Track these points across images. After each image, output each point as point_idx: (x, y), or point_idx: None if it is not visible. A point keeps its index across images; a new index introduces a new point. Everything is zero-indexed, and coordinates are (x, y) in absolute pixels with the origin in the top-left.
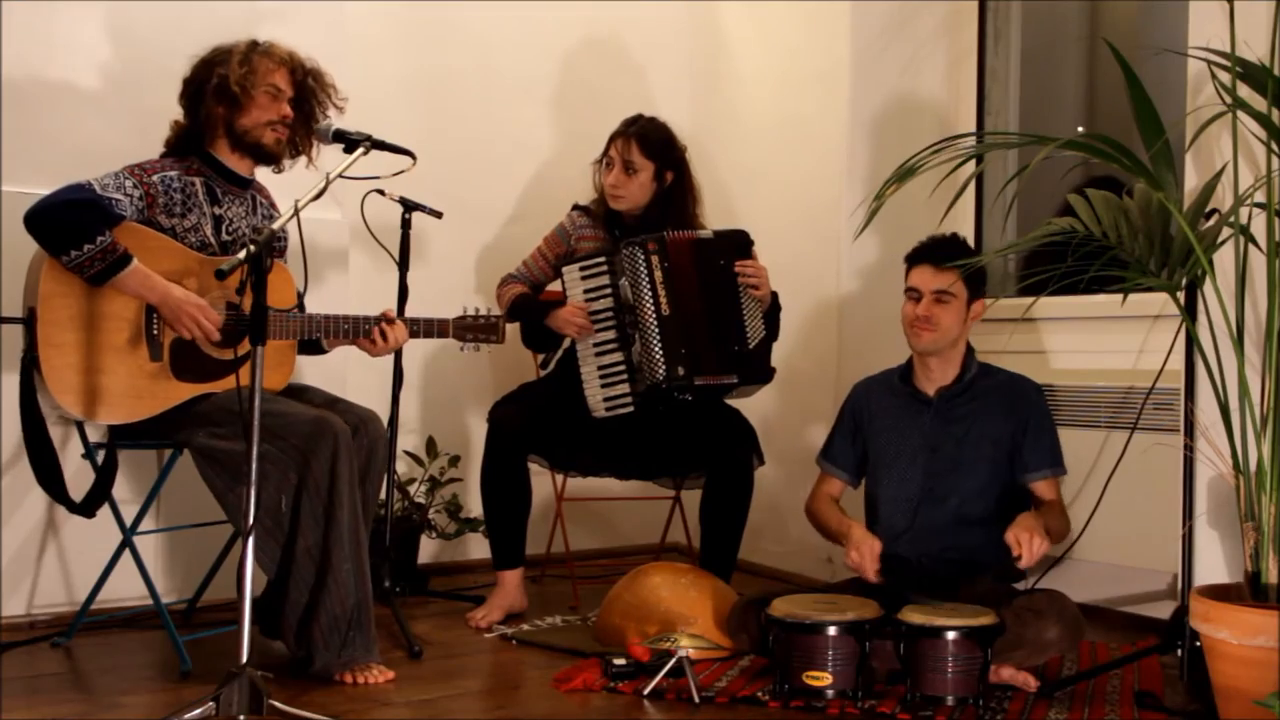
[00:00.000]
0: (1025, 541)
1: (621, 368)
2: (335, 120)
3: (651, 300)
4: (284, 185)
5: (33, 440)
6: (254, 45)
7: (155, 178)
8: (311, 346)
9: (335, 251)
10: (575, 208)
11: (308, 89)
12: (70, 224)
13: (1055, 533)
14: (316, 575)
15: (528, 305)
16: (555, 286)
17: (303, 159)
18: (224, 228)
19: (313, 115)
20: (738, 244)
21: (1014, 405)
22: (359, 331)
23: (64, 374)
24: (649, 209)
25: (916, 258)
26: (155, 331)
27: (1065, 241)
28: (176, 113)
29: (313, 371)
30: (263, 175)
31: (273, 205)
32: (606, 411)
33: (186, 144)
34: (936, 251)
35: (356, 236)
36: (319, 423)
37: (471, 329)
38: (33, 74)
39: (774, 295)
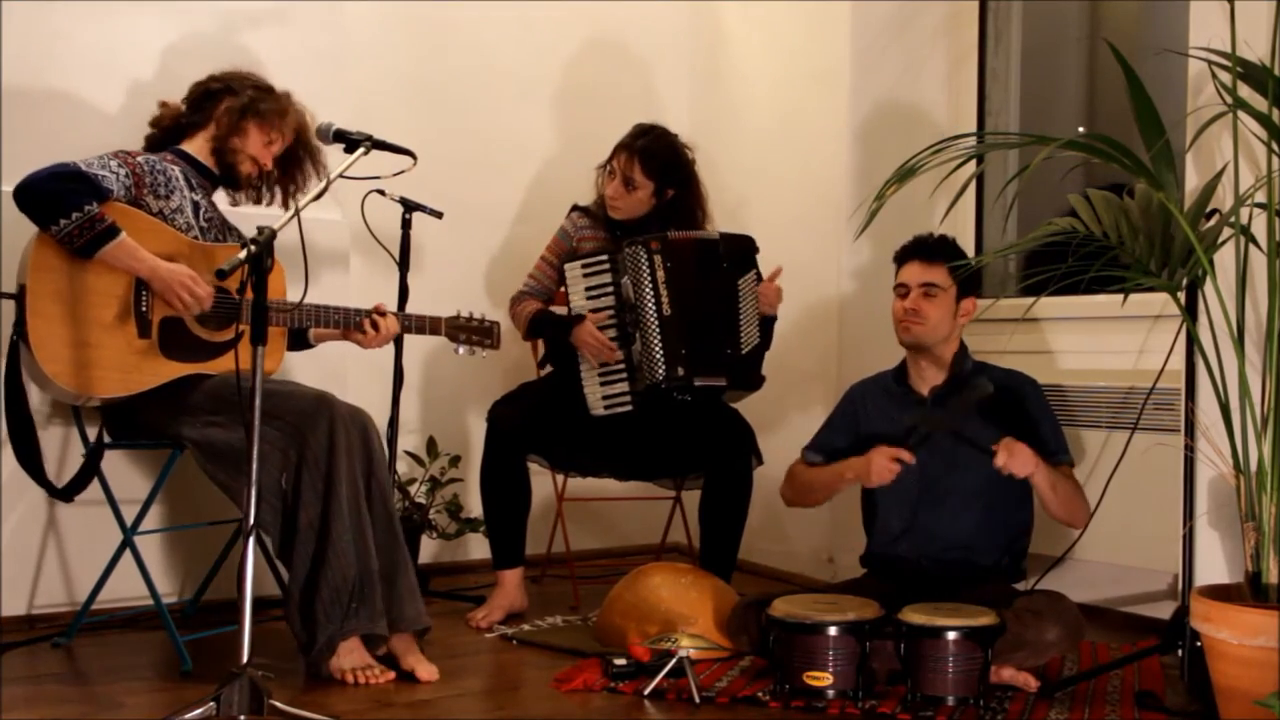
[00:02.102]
0: (1009, 448)
1: (621, 366)
2: (336, 122)
3: (653, 300)
4: None
5: (13, 418)
6: (290, 97)
7: (140, 159)
8: (299, 340)
9: (335, 252)
10: (575, 208)
11: (297, 158)
12: (56, 194)
13: (1063, 496)
14: (316, 548)
15: (549, 322)
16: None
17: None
18: (201, 213)
19: (292, 179)
20: (742, 249)
21: (1015, 404)
22: (349, 322)
23: (51, 344)
24: (647, 217)
25: (904, 255)
26: (144, 308)
27: (1066, 242)
28: None
29: (313, 370)
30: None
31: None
32: (605, 410)
33: (164, 137)
34: (924, 247)
35: (357, 237)
36: (316, 399)
37: (465, 329)
38: (33, 75)
39: None
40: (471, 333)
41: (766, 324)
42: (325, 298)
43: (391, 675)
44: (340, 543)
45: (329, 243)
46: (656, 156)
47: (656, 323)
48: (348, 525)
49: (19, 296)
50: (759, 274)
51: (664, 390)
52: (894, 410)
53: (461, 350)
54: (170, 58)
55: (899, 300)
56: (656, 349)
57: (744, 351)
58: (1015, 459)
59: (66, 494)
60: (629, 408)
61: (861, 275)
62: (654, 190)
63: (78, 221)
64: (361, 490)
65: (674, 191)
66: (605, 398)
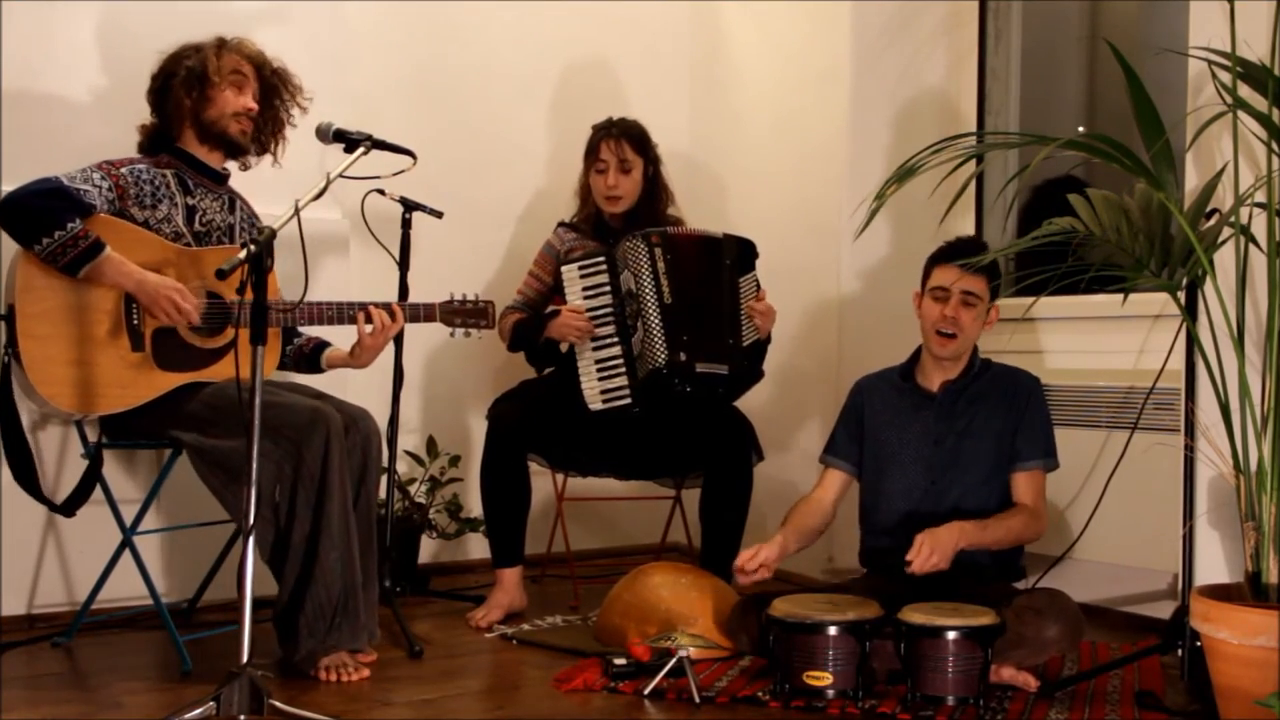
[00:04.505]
0: (924, 555)
1: (619, 361)
2: (302, 118)
3: (654, 288)
4: (280, 188)
5: (8, 437)
6: (223, 41)
7: (124, 170)
8: (310, 365)
9: (336, 252)
10: (561, 225)
11: (273, 87)
12: (38, 212)
13: (999, 539)
14: (303, 565)
15: (526, 328)
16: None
17: (267, 160)
18: (197, 218)
19: (277, 114)
20: (744, 252)
21: (1013, 398)
22: (343, 317)
23: (45, 366)
24: (639, 205)
25: (944, 257)
26: (135, 321)
27: (1065, 241)
28: None
29: None
30: (235, 178)
31: (253, 214)
32: (603, 403)
33: (156, 142)
34: (967, 252)
35: (357, 236)
36: (313, 413)
37: (459, 313)
38: (33, 75)
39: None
40: (466, 315)
41: (759, 348)
42: (324, 297)
43: (366, 673)
44: (327, 560)
45: (329, 242)
46: (635, 134)
47: (658, 310)
48: (336, 542)
49: (8, 317)
50: (758, 280)
51: (665, 376)
52: (902, 408)
53: (458, 334)
54: None
55: (935, 304)
56: (658, 335)
57: (745, 344)
58: (918, 558)
59: (68, 508)
60: (628, 401)
61: (862, 275)
62: (643, 167)
63: (60, 240)
64: (350, 502)
65: (652, 169)
66: (604, 392)
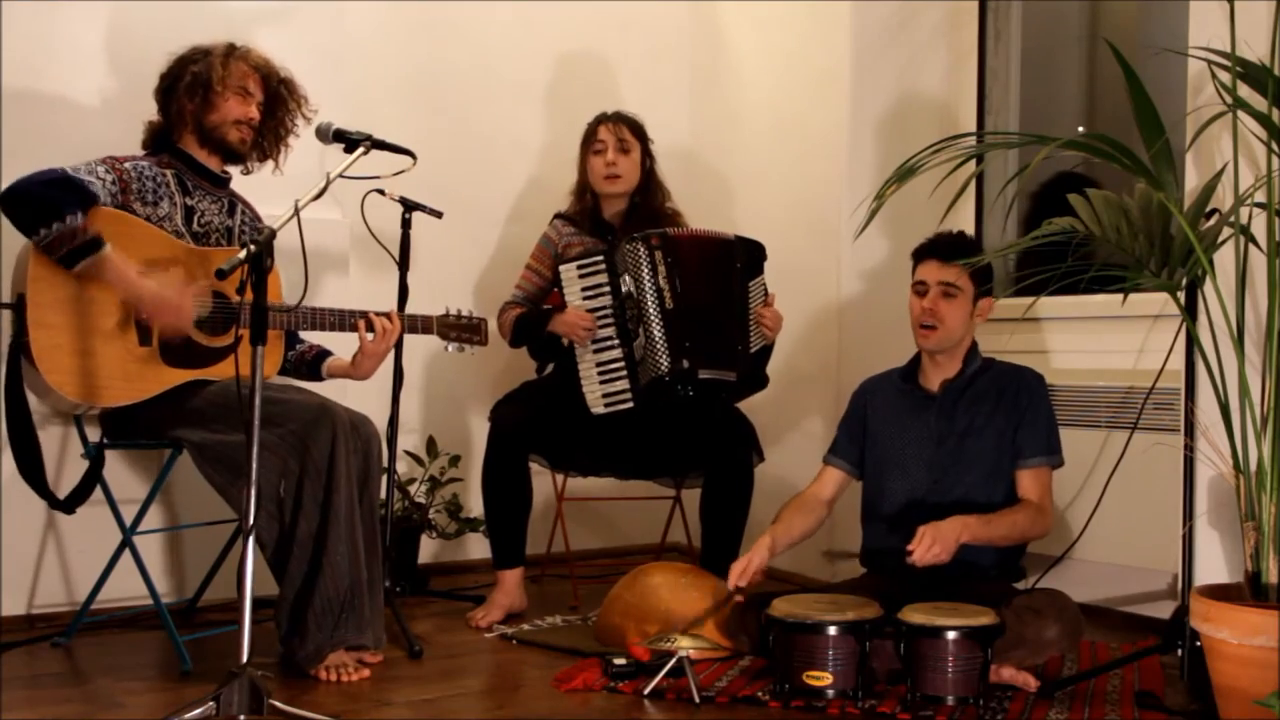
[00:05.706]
0: (926, 545)
1: (620, 364)
2: (304, 125)
3: (654, 294)
4: (280, 189)
5: (16, 429)
6: (232, 48)
7: (128, 165)
8: (311, 372)
9: (335, 251)
10: (557, 216)
11: (279, 97)
12: (40, 200)
13: (1003, 535)
14: (311, 561)
15: (529, 322)
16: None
17: (269, 164)
18: (195, 219)
19: (281, 123)
20: (752, 255)
21: (1016, 396)
22: (344, 324)
23: (54, 355)
24: (633, 197)
25: (923, 253)
26: (144, 316)
27: (1065, 241)
28: None
29: None
30: (236, 180)
31: (256, 217)
32: (605, 408)
33: (159, 141)
34: (944, 246)
35: (357, 236)
36: (319, 409)
37: (455, 328)
38: (34, 75)
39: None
40: (460, 330)
41: (764, 353)
42: (325, 297)
43: (366, 673)
44: (335, 554)
45: (329, 242)
46: (632, 120)
47: (659, 316)
48: (343, 536)
49: (18, 306)
50: (765, 285)
51: (668, 384)
52: (903, 408)
53: (451, 348)
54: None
55: (916, 298)
56: (660, 342)
57: (752, 350)
58: (920, 548)
59: (68, 505)
60: (630, 405)
61: (862, 275)
62: (641, 151)
63: (59, 232)
64: (356, 498)
65: (649, 162)
66: (606, 395)
